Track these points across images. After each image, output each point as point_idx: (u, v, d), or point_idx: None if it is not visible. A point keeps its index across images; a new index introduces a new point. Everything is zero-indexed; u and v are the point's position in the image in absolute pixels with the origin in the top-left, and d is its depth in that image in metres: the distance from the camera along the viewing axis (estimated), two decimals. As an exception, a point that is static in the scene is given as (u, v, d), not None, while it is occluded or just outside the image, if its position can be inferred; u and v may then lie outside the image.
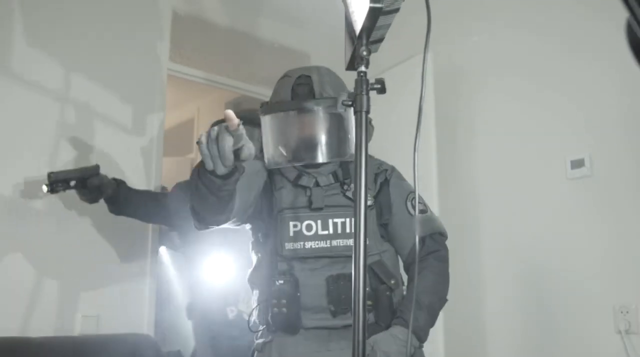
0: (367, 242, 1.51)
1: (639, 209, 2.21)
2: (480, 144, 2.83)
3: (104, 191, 2.20)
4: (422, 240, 1.65)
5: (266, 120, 1.58)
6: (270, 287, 1.59)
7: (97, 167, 2.21)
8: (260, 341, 1.67)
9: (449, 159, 2.85)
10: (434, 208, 2.59)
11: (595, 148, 2.35)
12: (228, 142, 1.14)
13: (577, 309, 2.34)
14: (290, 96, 1.60)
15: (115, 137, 2.73)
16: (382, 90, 1.19)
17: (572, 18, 2.49)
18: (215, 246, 2.32)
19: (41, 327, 2.35)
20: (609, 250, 2.27)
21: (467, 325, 2.72)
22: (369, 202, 1.53)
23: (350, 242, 1.55)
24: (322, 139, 1.55)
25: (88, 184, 2.15)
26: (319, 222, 1.59)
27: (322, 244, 1.58)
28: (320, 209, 1.60)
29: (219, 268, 2.28)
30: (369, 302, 1.54)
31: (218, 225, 1.55)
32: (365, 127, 1.12)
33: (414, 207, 1.64)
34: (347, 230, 1.59)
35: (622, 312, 2.19)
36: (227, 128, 1.13)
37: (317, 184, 1.62)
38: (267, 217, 1.67)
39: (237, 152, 1.17)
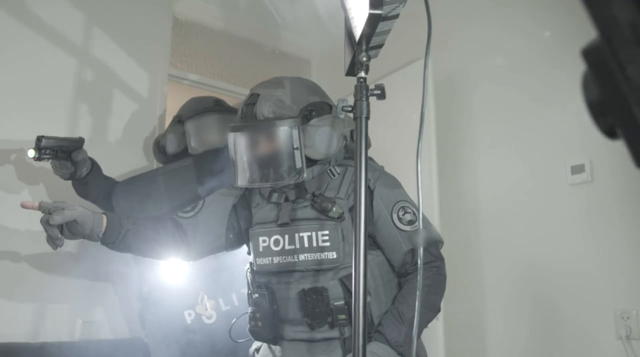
0: (336, 256, 1.54)
1: (639, 214, 2.21)
2: (481, 150, 2.83)
3: (80, 168, 2.09)
4: (413, 252, 1.58)
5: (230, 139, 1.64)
6: (250, 301, 1.65)
7: (82, 140, 2.08)
8: (253, 347, 1.71)
9: (449, 165, 2.85)
10: (435, 214, 2.58)
11: (595, 153, 2.35)
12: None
13: (577, 315, 2.34)
14: (240, 116, 1.62)
15: (116, 142, 2.73)
16: (382, 96, 1.19)
17: (573, 25, 2.49)
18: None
19: (41, 332, 2.34)
20: (609, 255, 2.26)
21: (467, 330, 2.71)
22: (336, 214, 1.55)
23: (318, 255, 1.55)
24: (260, 163, 1.58)
25: (72, 157, 2.04)
26: (286, 237, 1.58)
27: (289, 259, 1.58)
28: (287, 223, 1.59)
29: (172, 268, 2.17)
30: (342, 317, 1.52)
31: (185, 259, 1.73)
32: (366, 133, 1.12)
33: (400, 218, 1.59)
34: (314, 243, 1.56)
35: (622, 317, 2.19)
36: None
37: (286, 199, 1.62)
38: (247, 234, 1.71)
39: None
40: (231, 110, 2.39)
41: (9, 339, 2.20)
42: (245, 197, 1.73)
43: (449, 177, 2.84)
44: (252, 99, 1.60)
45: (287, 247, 1.58)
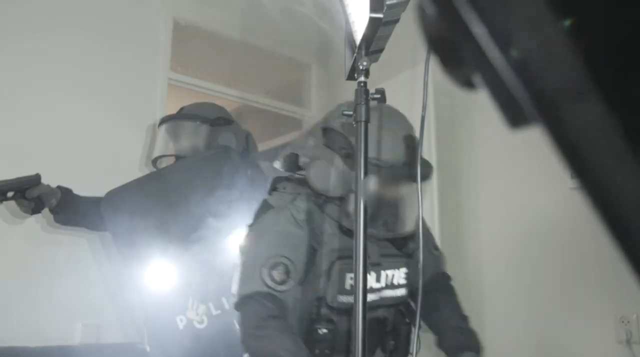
0: (406, 292, 1.57)
1: (640, 219, 2.21)
2: (481, 155, 2.83)
3: (46, 201, 2.14)
4: (443, 273, 1.73)
5: (369, 181, 1.46)
6: (311, 334, 1.49)
7: (37, 176, 2.14)
8: None
9: (449, 170, 2.85)
10: (435, 215, 2.59)
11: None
12: None
13: (578, 319, 2.34)
14: (403, 160, 1.48)
15: (116, 147, 2.73)
16: (382, 100, 1.19)
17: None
18: (153, 252, 2.21)
19: (41, 336, 2.34)
20: (610, 259, 2.26)
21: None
22: (410, 250, 1.58)
23: (397, 292, 1.56)
24: (408, 211, 1.54)
25: (27, 195, 2.09)
26: (374, 274, 1.53)
27: (373, 297, 1.52)
28: (379, 263, 1.54)
29: (159, 275, 2.18)
30: (392, 342, 1.56)
31: None
32: (366, 138, 1.12)
33: (435, 247, 1.71)
34: (395, 281, 1.56)
35: (623, 322, 2.19)
36: None
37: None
38: (309, 260, 1.52)
39: None
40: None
41: (8, 342, 2.19)
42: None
43: (449, 183, 2.84)
44: (411, 141, 1.50)
45: (374, 285, 1.53)
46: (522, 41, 0.27)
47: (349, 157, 1.44)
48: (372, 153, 1.42)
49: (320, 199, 1.53)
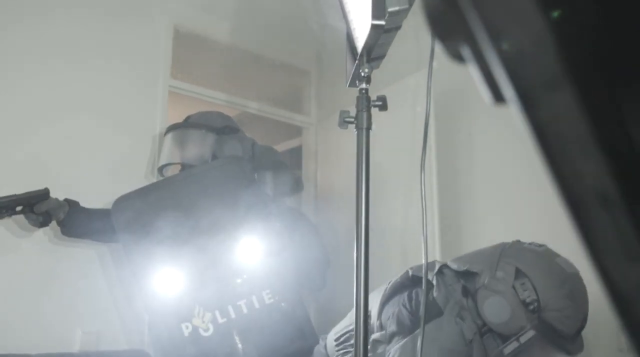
0: None
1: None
2: (481, 160, 2.83)
3: (54, 214, 2.16)
4: None
5: None
6: None
7: (46, 191, 2.16)
8: None
9: (449, 175, 2.85)
10: (435, 222, 2.58)
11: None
12: None
13: (578, 326, 2.33)
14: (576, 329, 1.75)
15: (117, 154, 2.73)
16: (383, 107, 1.20)
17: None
18: (162, 258, 2.20)
19: (41, 343, 2.34)
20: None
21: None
22: None
23: None
24: None
25: (35, 209, 2.11)
26: None
27: None
28: None
29: (168, 282, 2.19)
30: None
31: None
32: (367, 145, 1.13)
33: None
34: None
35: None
36: None
37: None
38: None
39: None
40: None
41: (8, 350, 2.19)
42: None
43: (449, 187, 2.84)
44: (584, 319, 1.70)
45: None
46: (512, 34, 0.29)
47: (535, 312, 1.51)
48: (553, 309, 1.58)
49: (484, 327, 1.57)
